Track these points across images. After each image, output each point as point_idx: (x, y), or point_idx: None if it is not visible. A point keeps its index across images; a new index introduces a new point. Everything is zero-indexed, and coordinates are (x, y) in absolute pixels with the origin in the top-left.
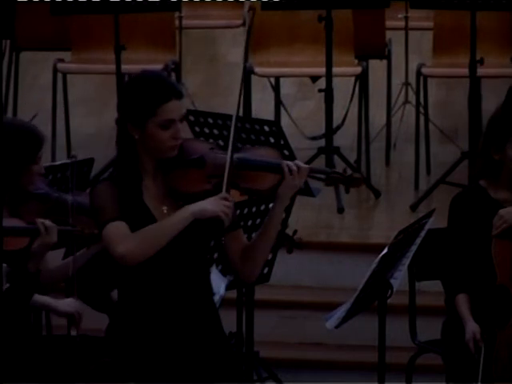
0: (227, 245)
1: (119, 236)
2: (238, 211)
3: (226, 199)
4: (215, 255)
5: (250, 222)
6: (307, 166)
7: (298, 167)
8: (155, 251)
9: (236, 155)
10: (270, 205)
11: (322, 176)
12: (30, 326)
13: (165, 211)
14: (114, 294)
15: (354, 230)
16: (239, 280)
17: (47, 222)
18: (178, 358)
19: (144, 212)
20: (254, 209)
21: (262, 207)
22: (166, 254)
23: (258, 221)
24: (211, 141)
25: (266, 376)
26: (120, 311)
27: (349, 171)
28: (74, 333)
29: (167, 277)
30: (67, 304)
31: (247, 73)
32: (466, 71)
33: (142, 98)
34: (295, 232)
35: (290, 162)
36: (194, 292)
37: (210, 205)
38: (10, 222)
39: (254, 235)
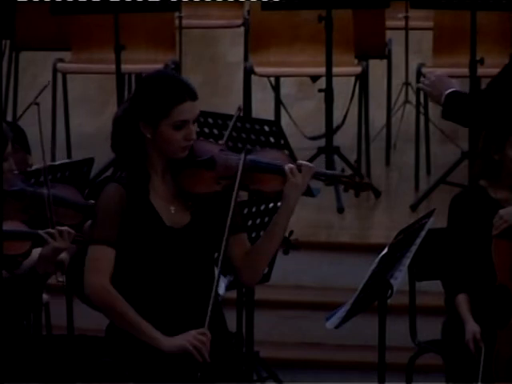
0: (230, 248)
1: (99, 266)
2: (246, 210)
3: (201, 333)
4: (215, 255)
5: (250, 222)
6: (311, 165)
7: (300, 166)
8: (110, 319)
9: (246, 157)
10: (271, 205)
11: (323, 178)
12: (29, 326)
13: (172, 211)
14: None
15: (354, 229)
16: (239, 281)
17: (61, 228)
18: (178, 358)
19: (150, 211)
20: (254, 209)
21: (262, 207)
22: (169, 253)
23: (259, 221)
24: (211, 141)
25: (265, 376)
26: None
27: (358, 177)
28: (61, 279)
29: (169, 276)
30: None
31: (247, 73)
32: (466, 71)
33: (157, 97)
34: (291, 233)
35: (292, 164)
36: (197, 291)
37: (176, 341)
38: (11, 226)
39: (254, 235)
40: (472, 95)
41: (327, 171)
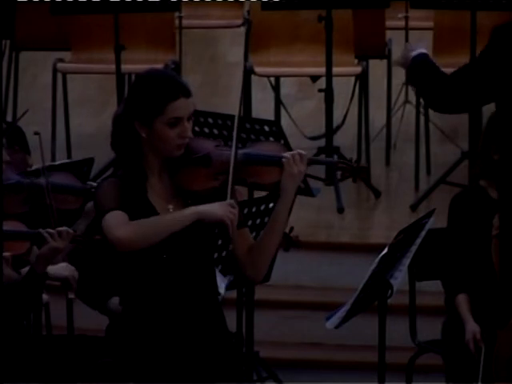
0: (233, 244)
1: (118, 222)
2: (246, 210)
3: (232, 206)
4: (215, 255)
5: (250, 222)
6: (302, 152)
7: (298, 154)
8: (153, 242)
9: (241, 151)
10: (271, 205)
11: (323, 177)
12: (29, 326)
13: (171, 210)
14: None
15: (354, 229)
16: (241, 280)
17: (60, 228)
18: (178, 358)
19: (149, 210)
20: (254, 209)
21: (262, 207)
22: (170, 252)
23: (259, 221)
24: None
25: (265, 376)
26: (121, 311)
27: (354, 161)
28: (71, 296)
29: (170, 275)
30: (61, 268)
31: (247, 73)
32: None
33: (150, 96)
34: (291, 229)
35: (288, 152)
36: (197, 291)
37: (216, 209)
38: (11, 226)
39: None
40: (440, 73)
41: (323, 158)
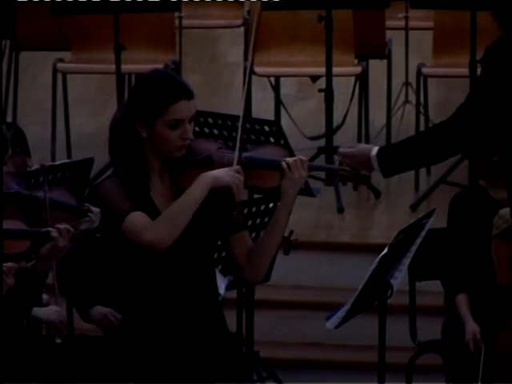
0: (233, 246)
1: (143, 224)
2: (246, 210)
3: (238, 172)
4: (215, 255)
5: (250, 222)
6: (303, 158)
7: (298, 160)
8: (182, 230)
9: (243, 153)
10: (271, 204)
11: (323, 177)
12: (29, 326)
13: None
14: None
15: (354, 229)
16: (240, 280)
17: (60, 226)
18: (178, 358)
19: (152, 209)
20: (254, 209)
21: (262, 207)
22: (171, 253)
23: (259, 221)
24: (209, 139)
25: (265, 376)
26: (121, 311)
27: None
28: (58, 341)
29: (171, 276)
30: (50, 311)
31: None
32: (466, 71)
33: (152, 97)
34: (291, 233)
35: (288, 158)
36: (198, 292)
37: (223, 175)
38: (10, 225)
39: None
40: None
41: (324, 165)
